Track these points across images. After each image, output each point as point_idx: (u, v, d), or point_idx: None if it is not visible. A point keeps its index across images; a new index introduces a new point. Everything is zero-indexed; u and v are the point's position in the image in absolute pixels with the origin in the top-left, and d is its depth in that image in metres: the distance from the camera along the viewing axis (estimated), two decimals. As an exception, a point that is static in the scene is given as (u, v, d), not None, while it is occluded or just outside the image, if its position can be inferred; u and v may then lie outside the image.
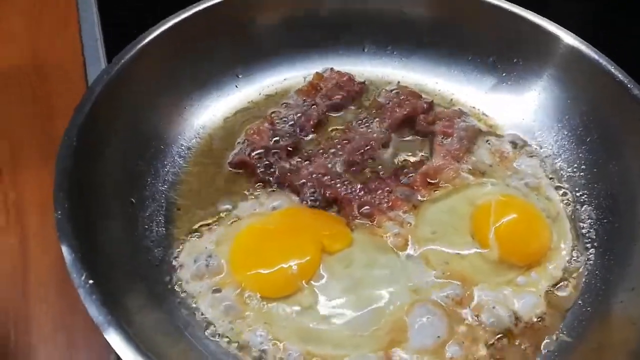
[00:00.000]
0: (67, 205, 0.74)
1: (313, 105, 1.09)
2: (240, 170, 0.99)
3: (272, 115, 1.07)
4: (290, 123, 1.06)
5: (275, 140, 1.03)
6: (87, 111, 0.84)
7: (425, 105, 1.12)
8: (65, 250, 0.69)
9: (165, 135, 1.00)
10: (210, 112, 1.08)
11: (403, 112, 1.10)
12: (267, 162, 0.99)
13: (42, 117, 1.06)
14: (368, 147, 1.05)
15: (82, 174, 0.80)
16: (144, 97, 0.91)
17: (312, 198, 0.97)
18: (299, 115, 1.07)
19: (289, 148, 1.02)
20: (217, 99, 1.09)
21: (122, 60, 0.91)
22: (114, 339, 0.64)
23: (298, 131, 1.06)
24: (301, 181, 0.98)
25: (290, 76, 1.14)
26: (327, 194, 0.97)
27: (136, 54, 0.93)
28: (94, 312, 0.66)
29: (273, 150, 1.01)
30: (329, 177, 0.99)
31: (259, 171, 0.98)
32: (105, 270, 0.74)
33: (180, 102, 1.03)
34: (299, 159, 1.01)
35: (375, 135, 1.06)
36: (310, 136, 1.06)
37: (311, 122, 1.07)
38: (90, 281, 0.67)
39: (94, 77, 0.91)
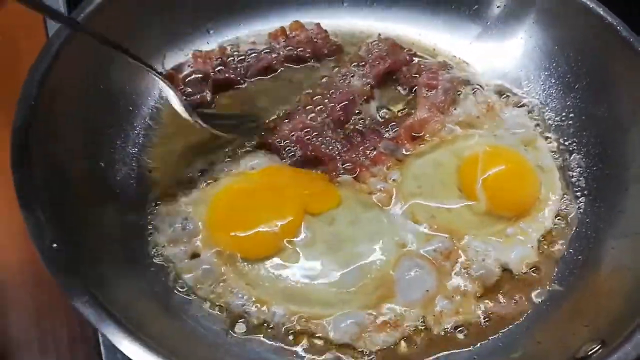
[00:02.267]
0: (25, 164, 0.69)
1: (271, 50, 1.04)
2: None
3: (229, 47, 1.03)
4: (240, 58, 1.02)
5: (218, 70, 0.99)
6: (46, 67, 0.78)
7: (407, 57, 1.07)
8: (24, 213, 0.64)
9: (134, 95, 0.95)
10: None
11: (385, 65, 1.05)
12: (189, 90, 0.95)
13: (3, 74, 0.99)
14: (350, 102, 1.00)
15: (42, 133, 0.74)
16: (108, 52, 0.84)
17: (292, 156, 0.92)
18: (253, 54, 1.02)
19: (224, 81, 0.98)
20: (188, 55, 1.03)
21: (84, 12, 0.85)
22: (82, 306, 0.60)
23: (242, 70, 1.01)
24: (281, 139, 0.93)
25: (265, 30, 1.08)
26: (308, 152, 0.93)
27: (99, 5, 0.86)
28: (61, 278, 0.61)
29: (212, 79, 0.97)
30: (309, 134, 0.94)
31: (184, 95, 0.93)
32: (72, 235, 0.69)
33: (149, 58, 0.97)
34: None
35: (357, 89, 1.02)
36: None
37: (260, 65, 1.02)
38: (54, 245, 0.62)
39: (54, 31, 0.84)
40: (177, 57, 1.01)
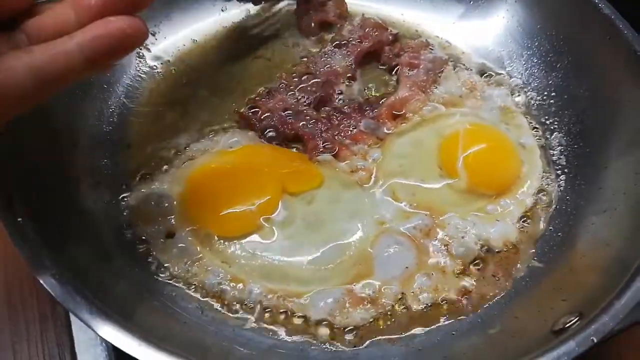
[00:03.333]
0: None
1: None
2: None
3: None
4: None
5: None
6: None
7: (390, 38, 1.06)
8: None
9: (108, 73, 0.92)
10: (168, 43, 1.01)
11: (367, 45, 1.03)
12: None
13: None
14: (331, 82, 0.98)
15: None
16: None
17: (272, 134, 0.91)
18: None
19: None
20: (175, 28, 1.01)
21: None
22: (48, 281, 0.58)
23: None
24: (260, 117, 0.92)
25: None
26: (288, 130, 0.91)
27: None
28: (27, 252, 0.59)
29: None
30: (289, 112, 0.93)
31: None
32: (41, 212, 0.67)
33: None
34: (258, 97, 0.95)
35: (339, 69, 1.00)
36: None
37: None
38: (19, 219, 0.61)
39: None
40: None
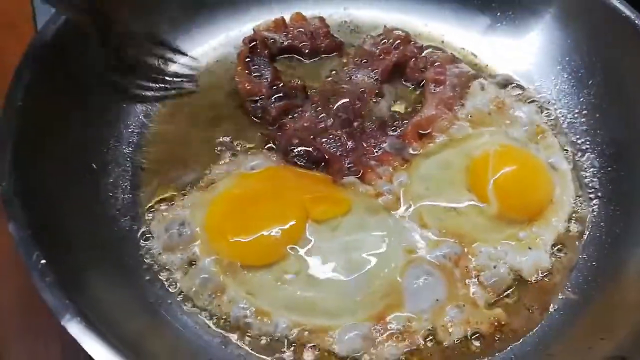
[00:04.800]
0: (13, 174, 0.64)
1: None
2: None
3: None
4: None
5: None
6: (35, 63, 0.74)
7: (415, 50, 1.02)
8: (12, 227, 0.60)
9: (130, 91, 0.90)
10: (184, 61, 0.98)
11: (392, 59, 1.00)
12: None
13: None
14: (359, 101, 0.95)
15: (30, 137, 0.69)
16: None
17: (297, 155, 0.88)
18: None
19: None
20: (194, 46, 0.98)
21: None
22: (73, 327, 0.56)
23: None
24: (287, 139, 0.89)
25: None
26: (314, 152, 0.88)
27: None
28: (49, 296, 0.57)
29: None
30: (315, 133, 0.89)
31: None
32: (62, 247, 0.65)
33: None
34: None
35: (365, 87, 0.97)
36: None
37: None
38: (43, 261, 0.58)
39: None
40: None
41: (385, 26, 1.05)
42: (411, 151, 0.91)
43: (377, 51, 1.01)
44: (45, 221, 0.65)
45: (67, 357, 0.72)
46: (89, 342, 0.55)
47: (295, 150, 0.88)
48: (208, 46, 1.01)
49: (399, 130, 0.93)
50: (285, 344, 0.72)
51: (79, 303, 0.57)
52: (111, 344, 0.55)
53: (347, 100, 0.93)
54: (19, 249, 0.59)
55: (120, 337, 0.59)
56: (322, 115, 0.91)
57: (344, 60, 1.02)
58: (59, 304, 0.56)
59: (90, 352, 0.54)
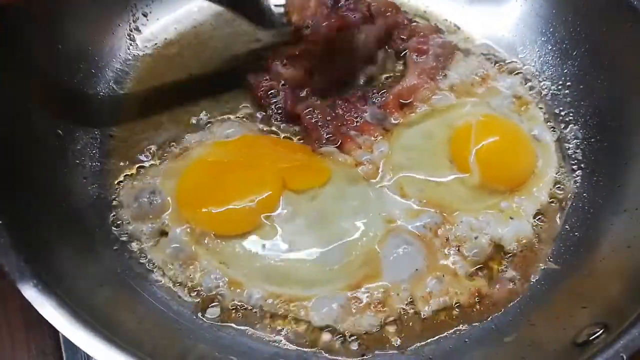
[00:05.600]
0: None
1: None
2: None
3: None
4: None
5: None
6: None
7: (405, 21, 0.99)
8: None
9: (97, 58, 0.86)
10: (160, 25, 0.94)
11: (383, 25, 0.96)
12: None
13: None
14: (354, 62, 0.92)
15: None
16: (67, 5, 0.75)
17: (274, 106, 0.86)
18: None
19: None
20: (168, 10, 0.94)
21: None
22: (29, 290, 0.52)
23: None
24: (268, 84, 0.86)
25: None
26: (288, 107, 0.85)
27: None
28: (3, 257, 0.53)
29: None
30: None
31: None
32: (23, 210, 0.62)
33: (117, 14, 0.88)
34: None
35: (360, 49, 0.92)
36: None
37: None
38: (-1, 222, 0.55)
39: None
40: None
41: None
42: (392, 121, 0.88)
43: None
44: (6, 183, 0.61)
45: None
46: (45, 305, 0.51)
47: (274, 100, 0.85)
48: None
49: (380, 100, 0.90)
50: (259, 314, 0.70)
51: (36, 266, 0.54)
52: (69, 308, 0.52)
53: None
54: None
55: (86, 305, 0.56)
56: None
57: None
58: (13, 266, 0.53)
59: (46, 316, 0.50)
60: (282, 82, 0.87)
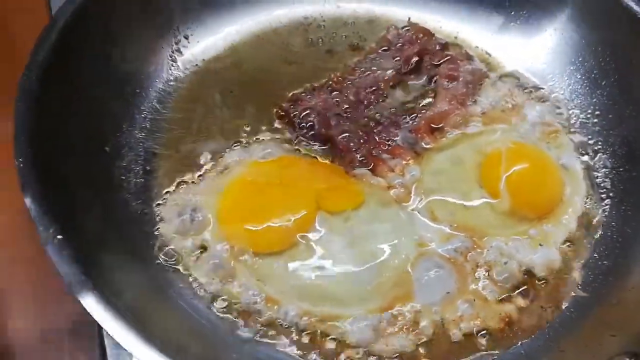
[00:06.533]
0: (29, 151, 0.64)
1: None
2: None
3: None
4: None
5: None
6: (49, 47, 0.73)
7: (438, 46, 1.02)
8: (29, 201, 0.60)
9: (142, 77, 0.90)
10: (201, 47, 0.97)
11: (414, 49, 1.00)
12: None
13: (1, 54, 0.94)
14: (376, 86, 0.95)
15: (45, 118, 0.69)
16: (117, 29, 0.79)
17: (306, 132, 0.88)
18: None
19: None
20: (208, 32, 0.98)
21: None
22: (89, 301, 0.56)
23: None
24: (298, 111, 0.90)
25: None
26: (323, 130, 0.88)
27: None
28: (65, 270, 0.57)
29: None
30: (329, 112, 0.90)
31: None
32: (76, 224, 0.65)
33: (162, 37, 0.92)
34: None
35: (385, 73, 0.97)
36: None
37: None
38: (59, 236, 0.58)
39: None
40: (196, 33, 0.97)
41: (409, 18, 1.05)
42: (423, 145, 0.91)
43: (400, 41, 1.01)
44: (59, 199, 0.64)
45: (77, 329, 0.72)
46: (105, 316, 0.55)
47: (305, 126, 0.88)
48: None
49: (411, 124, 0.93)
50: (294, 331, 0.72)
51: (94, 278, 0.57)
52: (124, 320, 0.55)
53: (365, 84, 0.94)
54: (37, 222, 0.59)
55: (132, 315, 0.59)
56: (335, 94, 0.92)
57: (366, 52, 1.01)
58: (75, 278, 0.56)
59: (104, 326, 0.54)
60: (316, 105, 0.90)
